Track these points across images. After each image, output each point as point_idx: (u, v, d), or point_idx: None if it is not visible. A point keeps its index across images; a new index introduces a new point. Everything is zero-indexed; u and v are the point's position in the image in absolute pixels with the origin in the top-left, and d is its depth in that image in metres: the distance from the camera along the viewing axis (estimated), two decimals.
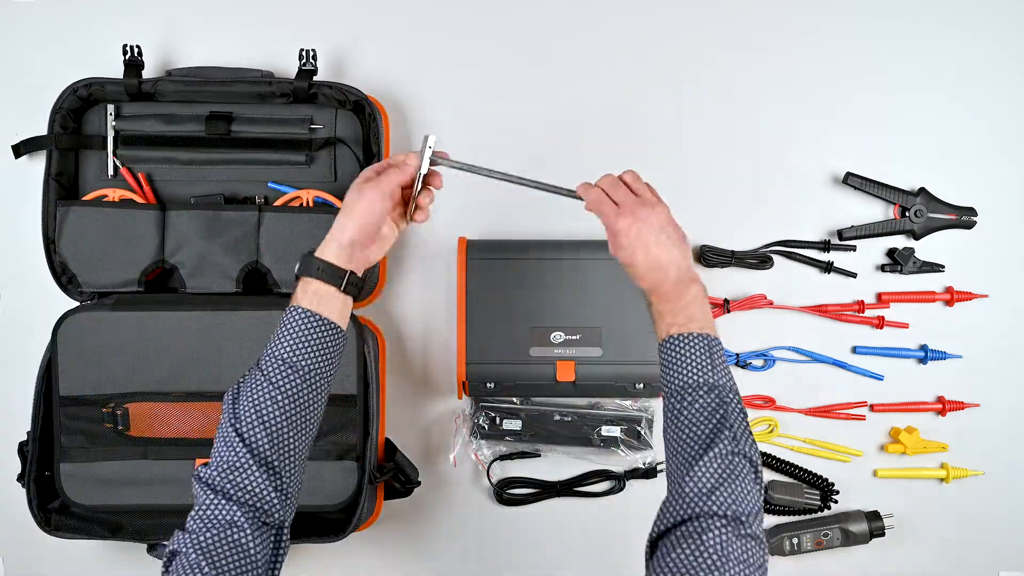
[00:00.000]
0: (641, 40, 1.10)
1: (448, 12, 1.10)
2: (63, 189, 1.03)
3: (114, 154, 1.04)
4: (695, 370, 0.75)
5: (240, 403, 0.74)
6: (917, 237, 1.08)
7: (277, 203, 1.04)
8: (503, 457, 1.08)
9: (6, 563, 1.09)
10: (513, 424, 1.06)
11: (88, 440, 0.99)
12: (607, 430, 1.06)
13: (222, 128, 1.03)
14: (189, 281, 1.01)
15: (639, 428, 1.05)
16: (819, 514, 1.09)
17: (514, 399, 1.07)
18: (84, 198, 1.04)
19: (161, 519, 1.00)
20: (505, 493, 1.08)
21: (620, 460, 1.07)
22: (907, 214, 1.08)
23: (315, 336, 0.76)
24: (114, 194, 1.03)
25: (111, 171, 1.04)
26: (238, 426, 0.73)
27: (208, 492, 0.71)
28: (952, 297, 1.08)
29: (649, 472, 1.08)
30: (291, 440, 0.74)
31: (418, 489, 1.03)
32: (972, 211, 1.08)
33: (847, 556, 1.08)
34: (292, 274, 0.99)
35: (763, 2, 1.10)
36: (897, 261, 1.08)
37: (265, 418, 0.73)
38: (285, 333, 0.76)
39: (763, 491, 0.72)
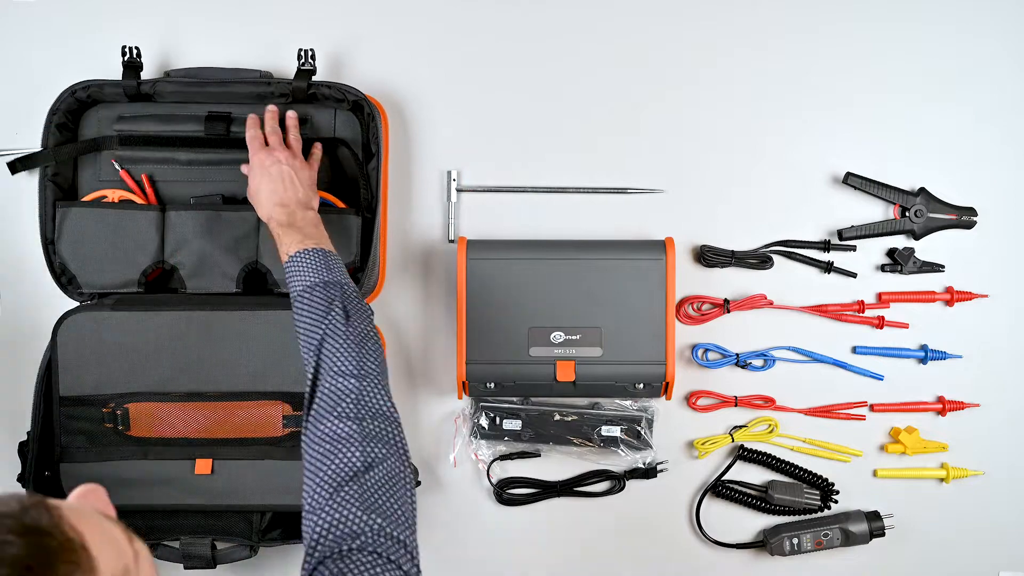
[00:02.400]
0: (641, 40, 1.10)
1: (448, 12, 1.10)
2: (60, 190, 1.03)
3: (113, 157, 1.04)
4: (311, 274, 0.86)
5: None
6: (917, 237, 1.08)
7: None
8: (503, 457, 1.08)
9: None
10: (513, 424, 1.06)
11: (88, 440, 0.99)
12: (607, 430, 1.06)
13: (221, 128, 1.03)
14: (189, 281, 1.01)
15: (639, 428, 1.05)
16: (819, 514, 1.09)
17: (514, 399, 1.07)
18: (83, 199, 1.04)
19: (161, 519, 1.00)
20: (505, 493, 1.08)
21: (620, 460, 1.07)
22: (907, 214, 1.08)
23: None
24: (113, 195, 1.03)
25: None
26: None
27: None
28: (952, 297, 1.08)
29: (649, 472, 1.08)
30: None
31: (418, 489, 1.03)
32: (972, 211, 1.08)
33: (847, 556, 1.08)
34: None
35: (763, 2, 1.10)
36: (897, 261, 1.08)
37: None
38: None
39: (382, 352, 0.83)
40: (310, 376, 0.80)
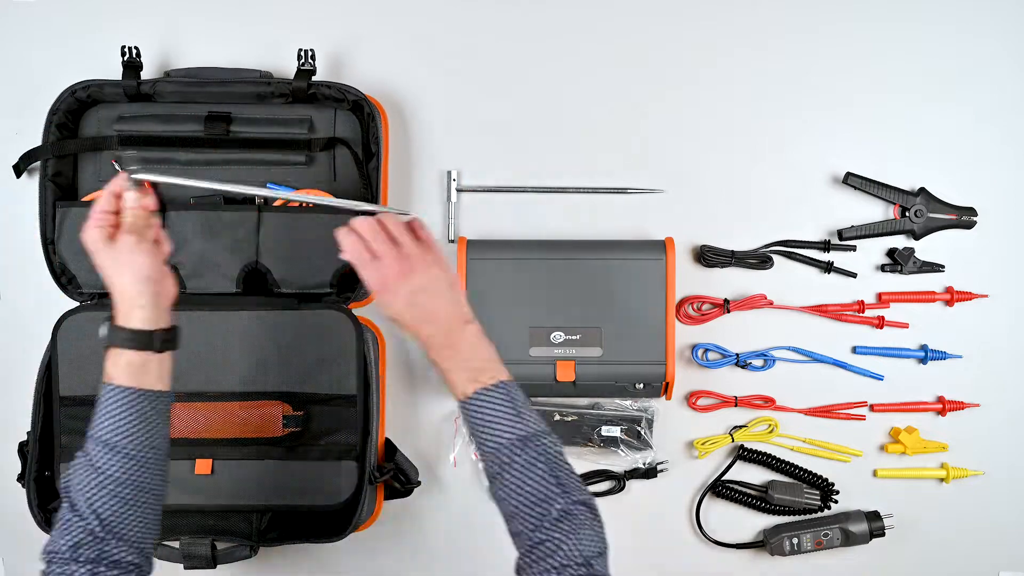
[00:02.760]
0: (641, 41, 1.10)
1: (448, 12, 1.10)
2: (60, 190, 1.03)
3: (113, 157, 1.04)
4: (504, 426, 0.73)
5: (73, 494, 0.72)
6: (917, 237, 1.08)
7: (276, 203, 1.04)
8: None
9: (6, 563, 1.09)
10: None
11: None
12: (607, 430, 1.06)
13: (221, 129, 1.03)
14: (189, 281, 1.01)
15: (639, 428, 1.05)
16: (819, 514, 1.09)
17: None
18: (83, 199, 1.04)
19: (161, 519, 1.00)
20: None
21: (620, 460, 1.07)
22: (907, 214, 1.08)
23: (136, 412, 0.73)
24: None
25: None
26: (79, 511, 0.70)
27: (69, 564, 0.68)
28: (952, 297, 1.08)
29: (649, 472, 1.07)
30: (134, 517, 0.72)
31: (418, 489, 1.03)
32: (972, 211, 1.08)
33: (847, 556, 1.08)
34: (291, 274, 1.01)
35: (763, 2, 1.10)
36: (897, 261, 1.08)
37: (99, 510, 0.70)
38: (105, 415, 0.73)
39: (603, 527, 0.72)
40: (529, 544, 0.71)
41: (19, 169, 1.04)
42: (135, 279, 0.76)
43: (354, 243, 0.80)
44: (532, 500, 0.71)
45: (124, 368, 0.74)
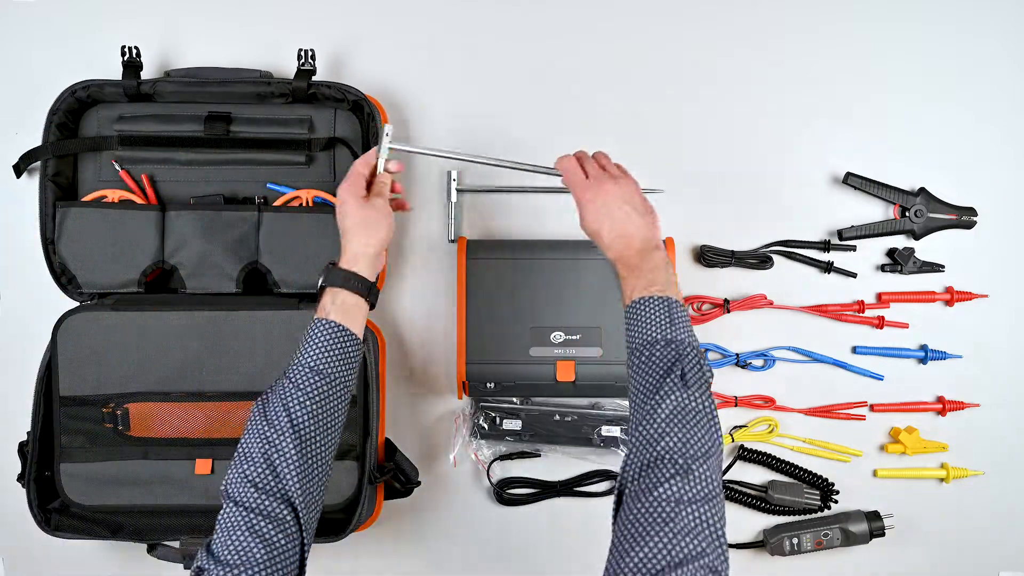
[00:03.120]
0: (642, 42, 1.10)
1: (448, 12, 1.10)
2: (61, 190, 1.03)
3: (114, 157, 1.04)
4: (654, 327, 0.77)
5: (270, 409, 0.76)
6: (917, 237, 1.08)
7: (276, 203, 1.04)
8: (503, 457, 1.08)
9: (6, 563, 1.09)
10: (513, 424, 1.06)
11: (88, 440, 0.99)
12: (607, 430, 1.06)
13: (221, 128, 1.03)
14: (189, 281, 1.01)
15: None
16: (819, 514, 1.09)
17: (514, 399, 1.07)
18: (83, 199, 1.04)
19: (161, 519, 1.00)
20: (505, 493, 1.08)
21: (620, 460, 1.07)
22: (907, 214, 1.08)
23: (339, 346, 0.80)
24: (113, 195, 1.03)
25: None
26: (268, 433, 0.75)
27: (232, 506, 0.73)
28: (952, 297, 1.08)
29: None
30: (318, 444, 0.77)
31: (418, 489, 1.03)
32: (972, 211, 1.08)
33: (847, 556, 1.08)
34: (291, 274, 1.01)
35: (763, 2, 1.10)
36: (897, 261, 1.08)
37: (295, 421, 0.75)
38: (313, 344, 0.79)
39: (719, 432, 0.73)
40: (631, 437, 0.73)
41: (19, 169, 1.04)
42: (374, 234, 0.85)
43: (570, 164, 0.88)
44: (651, 388, 0.74)
45: (339, 307, 0.81)
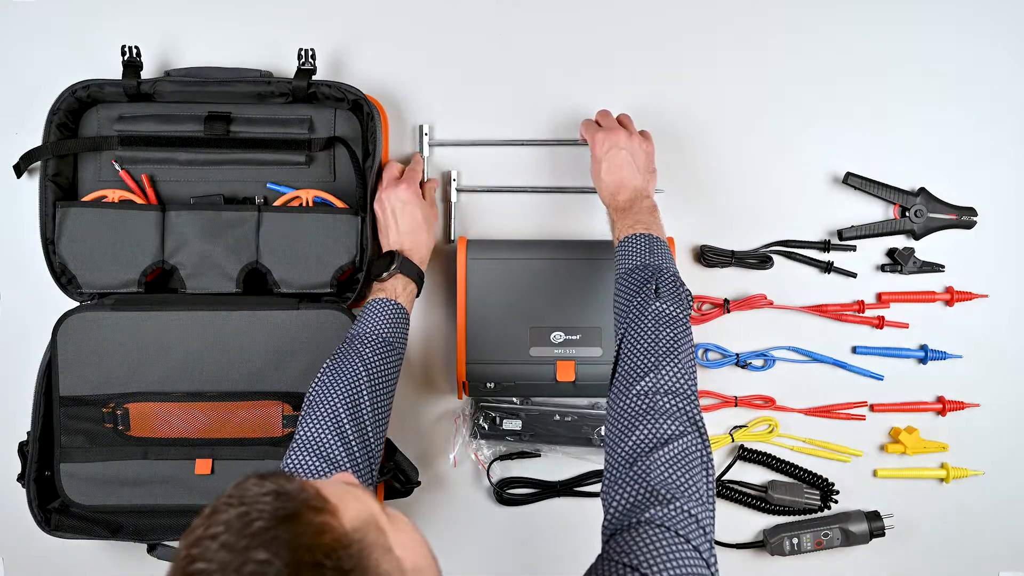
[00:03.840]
0: (641, 41, 1.10)
1: (448, 12, 1.10)
2: (61, 190, 1.03)
3: (114, 157, 1.04)
4: (635, 256, 0.87)
5: (339, 377, 0.86)
6: (917, 237, 1.08)
7: (276, 203, 1.04)
8: (503, 457, 1.08)
9: (6, 563, 1.09)
10: (513, 424, 1.06)
11: (88, 440, 0.99)
12: None
13: (221, 128, 1.03)
14: (189, 281, 1.01)
15: None
16: (819, 514, 1.09)
17: (514, 399, 1.07)
18: (83, 199, 1.03)
19: (161, 519, 1.00)
20: (505, 493, 1.08)
21: None
22: (907, 214, 1.08)
23: (401, 324, 0.93)
24: (113, 195, 1.03)
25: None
26: (333, 401, 0.84)
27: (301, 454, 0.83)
28: (952, 297, 1.08)
29: None
30: (378, 414, 0.87)
31: (418, 489, 1.03)
32: (972, 211, 1.08)
33: (847, 556, 1.08)
34: (291, 274, 1.01)
35: (763, 2, 1.10)
36: (897, 261, 1.08)
37: (365, 356, 0.87)
38: (380, 318, 0.92)
39: (688, 335, 0.81)
40: (615, 352, 0.82)
41: (19, 169, 1.04)
42: (429, 230, 1.01)
43: (588, 122, 1.03)
44: (623, 301, 0.85)
45: (403, 291, 0.95)
